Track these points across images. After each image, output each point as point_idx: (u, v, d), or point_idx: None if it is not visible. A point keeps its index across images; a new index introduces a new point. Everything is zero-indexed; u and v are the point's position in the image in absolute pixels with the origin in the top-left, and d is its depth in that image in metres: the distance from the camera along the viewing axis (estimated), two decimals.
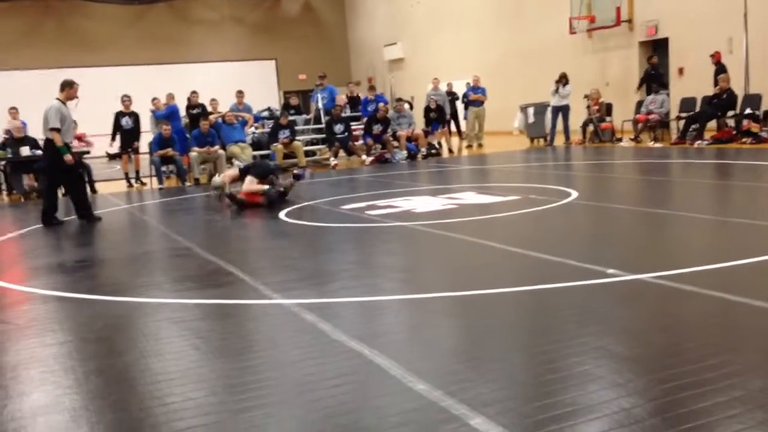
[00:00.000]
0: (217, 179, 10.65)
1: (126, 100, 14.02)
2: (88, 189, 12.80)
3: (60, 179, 9.05)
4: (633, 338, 3.33)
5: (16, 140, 12.74)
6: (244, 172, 9.51)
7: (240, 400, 2.89)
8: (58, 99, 8.75)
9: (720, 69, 13.98)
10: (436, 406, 2.68)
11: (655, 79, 15.34)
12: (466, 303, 4.17)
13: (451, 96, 18.38)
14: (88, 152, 14.42)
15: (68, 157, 8.71)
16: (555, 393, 2.73)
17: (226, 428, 2.65)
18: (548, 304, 4.04)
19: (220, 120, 14.25)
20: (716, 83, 13.92)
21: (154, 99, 14.91)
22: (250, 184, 9.14)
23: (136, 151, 14.00)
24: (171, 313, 4.35)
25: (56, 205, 8.99)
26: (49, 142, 8.77)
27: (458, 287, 4.51)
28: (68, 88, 8.82)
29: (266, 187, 9.10)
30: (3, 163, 12.93)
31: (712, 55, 14.24)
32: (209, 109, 14.99)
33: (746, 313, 3.60)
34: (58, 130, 8.58)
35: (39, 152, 12.84)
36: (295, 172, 9.93)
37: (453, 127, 18.34)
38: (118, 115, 13.90)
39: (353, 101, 16.89)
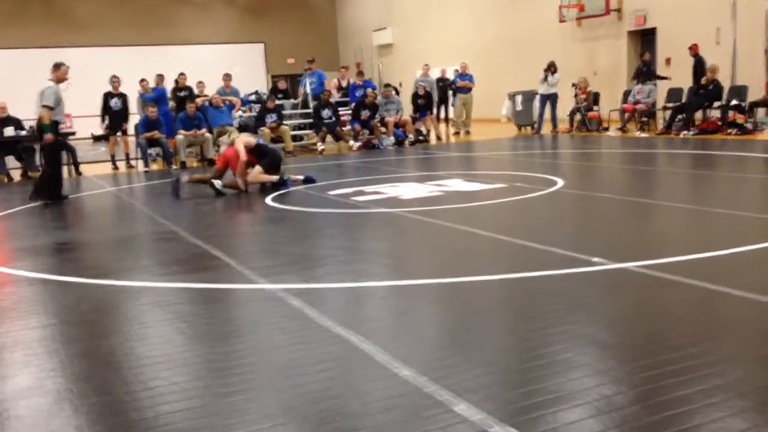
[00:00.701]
0: (226, 139, 10.41)
1: (115, 80, 13.88)
2: (73, 170, 12.76)
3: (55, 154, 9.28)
4: (616, 326, 3.36)
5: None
6: (259, 152, 9.18)
7: (224, 384, 2.89)
8: (50, 80, 8.98)
9: (698, 61, 14.08)
10: (420, 392, 2.70)
11: (646, 75, 15.33)
12: (452, 290, 4.19)
13: (443, 82, 18.34)
14: (72, 133, 14.29)
15: (48, 136, 8.92)
16: (538, 380, 2.75)
17: (210, 412, 2.66)
18: (533, 291, 4.07)
19: (207, 103, 14.15)
20: (695, 75, 14.03)
21: (142, 80, 14.77)
22: (260, 174, 9.01)
23: (125, 133, 13.88)
24: (156, 297, 4.34)
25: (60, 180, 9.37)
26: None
27: (444, 274, 4.52)
28: (56, 69, 9.06)
29: (275, 177, 9.03)
30: None
31: (690, 48, 14.34)
32: (196, 91, 14.88)
33: (728, 302, 3.64)
34: (51, 109, 8.85)
35: (23, 133, 12.76)
36: (309, 175, 9.60)
37: (443, 114, 18.33)
38: (107, 96, 13.75)
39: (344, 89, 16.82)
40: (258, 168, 9.07)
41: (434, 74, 18.79)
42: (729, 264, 4.39)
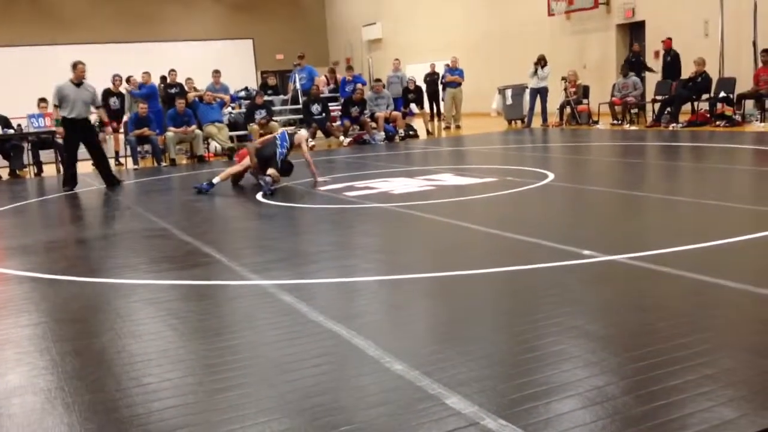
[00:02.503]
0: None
1: (117, 79, 13.81)
2: (62, 168, 12.68)
3: (73, 149, 10.18)
4: (607, 318, 3.38)
5: None
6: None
7: (217, 380, 2.89)
8: (69, 78, 9.83)
9: (673, 56, 14.33)
10: (413, 385, 2.71)
11: (636, 66, 15.41)
12: (443, 284, 4.20)
13: (431, 77, 18.32)
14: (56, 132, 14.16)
15: (58, 129, 10.36)
16: (530, 372, 2.76)
17: (203, 408, 2.66)
18: (524, 284, 4.08)
19: (197, 99, 14.10)
20: (667, 69, 14.43)
21: (129, 78, 14.69)
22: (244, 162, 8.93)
23: (117, 131, 13.84)
24: (147, 294, 4.33)
25: (74, 174, 10.13)
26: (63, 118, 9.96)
27: (435, 268, 4.53)
28: (73, 69, 9.83)
29: (267, 177, 8.35)
30: None
31: (663, 42, 14.52)
32: (185, 87, 14.83)
33: (718, 293, 3.66)
34: (55, 106, 9.95)
35: (10, 131, 12.68)
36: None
37: (431, 108, 18.31)
38: (107, 94, 13.64)
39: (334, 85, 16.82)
40: (247, 160, 8.93)
41: (421, 69, 18.79)
42: (719, 255, 4.41)
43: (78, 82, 9.80)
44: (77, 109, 9.82)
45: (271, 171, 8.52)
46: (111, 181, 10.25)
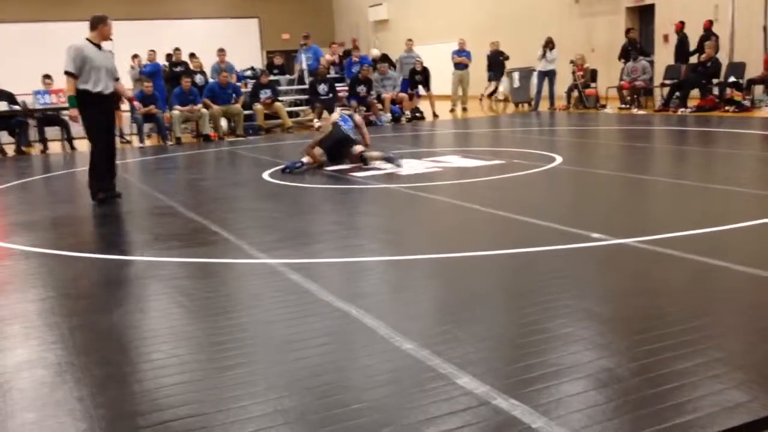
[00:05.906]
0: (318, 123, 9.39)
1: None
2: (68, 146, 12.68)
3: (102, 138, 6.99)
4: (616, 301, 3.37)
5: None
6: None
7: (226, 358, 2.89)
8: (87, 38, 6.88)
9: (682, 39, 14.17)
10: (423, 365, 2.70)
11: (635, 52, 15.29)
12: (452, 265, 4.19)
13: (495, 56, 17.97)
14: (66, 108, 14.12)
15: (72, 112, 6.87)
16: (539, 353, 2.76)
17: (211, 385, 2.66)
18: (533, 266, 4.07)
19: (215, 83, 13.96)
20: (677, 53, 14.26)
21: (135, 56, 14.60)
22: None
23: (118, 108, 13.71)
24: (156, 271, 4.33)
25: (101, 172, 6.98)
26: (79, 92, 6.76)
27: (444, 249, 4.51)
28: (101, 25, 6.87)
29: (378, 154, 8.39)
30: None
31: (675, 25, 14.38)
32: (191, 66, 14.76)
33: (726, 277, 3.65)
34: (72, 75, 6.69)
35: (16, 107, 12.66)
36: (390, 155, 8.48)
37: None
38: None
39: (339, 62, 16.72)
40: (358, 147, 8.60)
41: (428, 51, 18.63)
42: (727, 239, 4.39)
43: (99, 45, 6.93)
44: (103, 79, 6.80)
45: (358, 148, 8.56)
46: (113, 190, 7.11)
